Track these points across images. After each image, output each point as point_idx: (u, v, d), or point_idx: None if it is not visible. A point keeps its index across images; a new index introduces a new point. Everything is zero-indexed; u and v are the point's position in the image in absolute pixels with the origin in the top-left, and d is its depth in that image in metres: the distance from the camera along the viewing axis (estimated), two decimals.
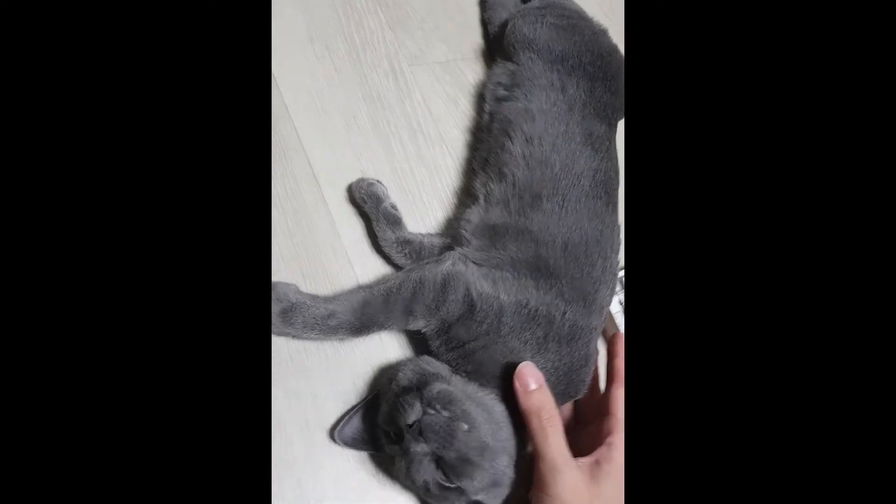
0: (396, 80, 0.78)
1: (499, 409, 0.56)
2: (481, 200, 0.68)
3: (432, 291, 0.58)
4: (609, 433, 0.57)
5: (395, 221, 0.66)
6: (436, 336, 0.59)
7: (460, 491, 0.52)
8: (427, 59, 0.80)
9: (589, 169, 0.67)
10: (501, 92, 0.75)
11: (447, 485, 0.52)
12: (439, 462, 0.52)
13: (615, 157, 0.72)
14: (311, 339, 0.59)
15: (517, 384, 0.54)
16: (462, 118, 0.79)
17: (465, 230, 0.66)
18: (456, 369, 0.58)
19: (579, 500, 0.52)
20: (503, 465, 0.54)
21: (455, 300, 0.57)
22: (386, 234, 0.65)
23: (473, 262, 0.61)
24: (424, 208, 0.72)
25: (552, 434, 0.53)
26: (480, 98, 0.79)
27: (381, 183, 0.68)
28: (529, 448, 0.56)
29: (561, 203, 0.64)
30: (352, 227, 0.68)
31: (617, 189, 0.70)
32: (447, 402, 0.52)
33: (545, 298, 0.59)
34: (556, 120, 0.69)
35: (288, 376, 0.60)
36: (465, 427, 0.52)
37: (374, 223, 0.66)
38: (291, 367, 0.60)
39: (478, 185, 0.70)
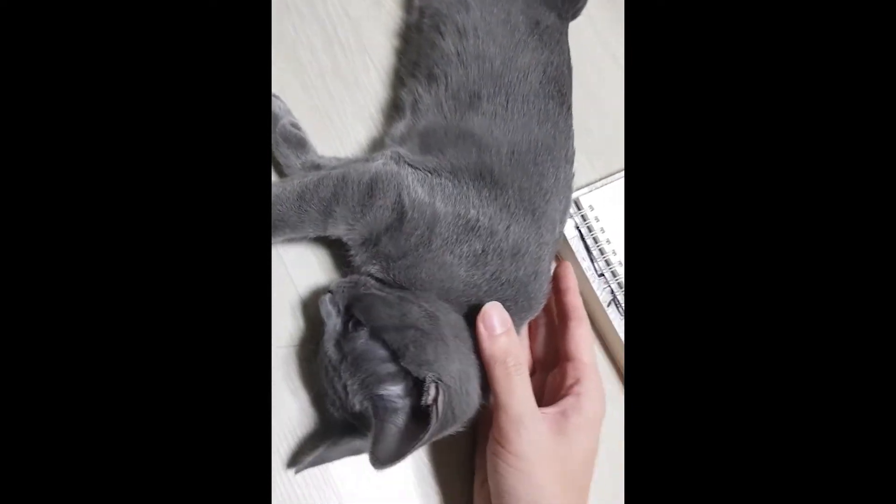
0: None
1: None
2: (407, 111, 0.56)
3: (357, 192, 0.47)
4: (577, 381, 0.49)
5: (298, 143, 0.54)
6: (362, 248, 0.48)
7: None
8: None
9: (537, 63, 0.55)
10: None
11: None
12: (374, 335, 0.44)
13: (567, 53, 0.60)
14: None
15: (481, 327, 0.46)
16: (388, 21, 0.66)
17: (391, 142, 0.55)
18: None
19: (544, 457, 0.44)
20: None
21: (383, 206, 0.47)
22: (289, 160, 0.53)
23: (409, 165, 0.50)
24: (344, 129, 0.60)
25: (518, 384, 0.45)
26: None
27: (277, 97, 0.56)
28: (490, 399, 0.47)
29: (504, 103, 0.53)
30: None
31: (570, 89, 0.58)
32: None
33: (488, 210, 0.49)
34: (493, 6, 0.57)
35: None
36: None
37: (274, 148, 0.54)
38: None
39: (405, 94, 0.58)
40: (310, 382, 0.49)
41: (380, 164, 0.49)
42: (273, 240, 0.48)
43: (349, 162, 0.54)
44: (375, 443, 0.41)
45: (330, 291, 0.46)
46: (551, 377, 0.52)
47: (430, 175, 0.50)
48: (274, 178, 0.55)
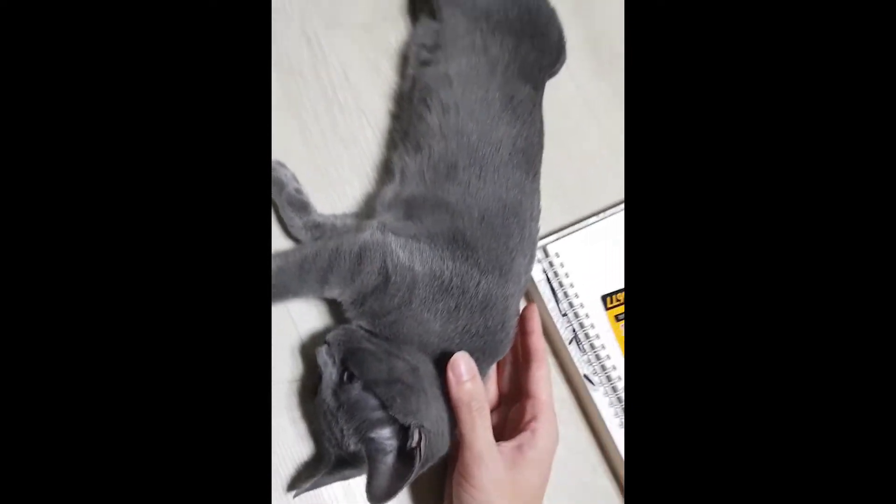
0: (310, 46, 0.72)
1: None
2: (397, 177, 0.65)
3: (348, 261, 0.56)
4: (533, 418, 0.57)
5: (301, 206, 0.63)
6: (352, 306, 0.57)
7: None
8: (345, 21, 0.75)
9: (508, 136, 0.63)
10: (424, 55, 0.71)
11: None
12: (367, 387, 0.52)
13: (539, 121, 0.68)
14: None
15: (450, 375, 0.54)
16: (384, 85, 0.74)
17: (380, 207, 0.63)
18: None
19: (501, 489, 0.52)
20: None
21: (371, 272, 0.55)
22: (293, 221, 0.62)
23: (392, 232, 0.59)
24: (341, 185, 0.68)
25: (480, 425, 0.53)
26: (404, 60, 0.74)
27: (283, 166, 0.64)
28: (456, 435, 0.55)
29: (478, 174, 0.61)
30: None
31: (539, 155, 0.66)
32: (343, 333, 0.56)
33: (460, 269, 0.57)
34: (474, 85, 0.65)
35: None
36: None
37: (280, 210, 0.63)
38: None
39: (395, 159, 0.67)
40: (307, 414, 0.58)
41: (367, 234, 0.57)
42: (277, 302, 0.57)
43: (344, 225, 0.63)
44: (370, 480, 0.50)
45: (326, 343, 0.55)
46: (514, 411, 0.61)
47: (410, 241, 0.58)
48: (277, 247, 0.64)
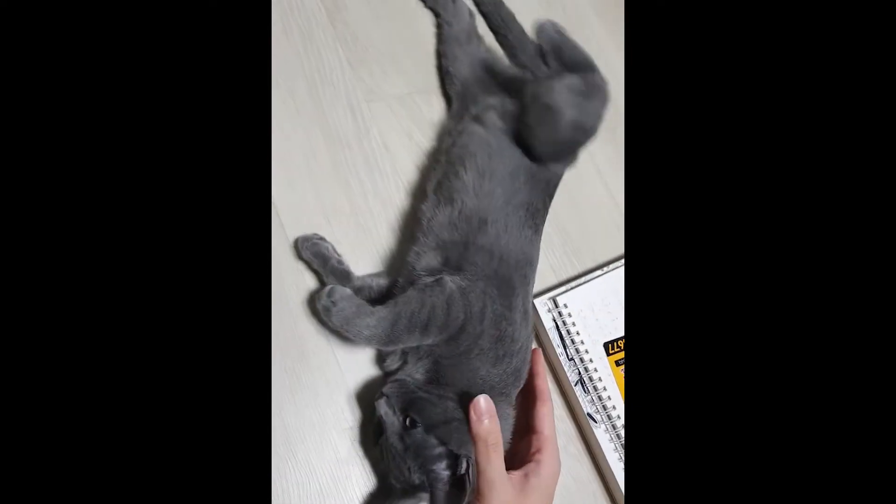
0: (354, 117, 0.83)
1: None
2: (424, 227, 0.73)
3: (442, 314, 0.64)
4: (538, 450, 0.66)
5: (343, 275, 0.72)
6: (428, 349, 0.66)
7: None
8: (384, 93, 0.85)
9: (524, 203, 0.73)
10: (486, 114, 0.77)
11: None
12: (427, 430, 0.61)
13: (546, 192, 0.76)
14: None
15: (473, 414, 0.62)
16: (416, 150, 0.84)
17: (412, 257, 0.72)
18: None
19: None
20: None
21: (456, 321, 0.64)
22: None
23: (461, 280, 0.67)
24: (378, 240, 0.78)
25: (494, 458, 0.62)
26: (462, 104, 0.82)
27: (324, 240, 0.74)
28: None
29: (504, 228, 0.70)
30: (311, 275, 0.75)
31: (544, 217, 0.75)
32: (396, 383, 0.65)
33: (511, 319, 0.67)
34: (506, 157, 0.74)
35: None
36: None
37: (325, 279, 0.72)
38: None
39: (424, 209, 0.74)
40: (369, 452, 0.69)
41: (449, 288, 0.65)
42: (391, 348, 0.67)
43: (378, 286, 0.72)
44: None
45: (385, 395, 0.63)
46: (523, 443, 0.69)
47: (480, 288, 0.66)
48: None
